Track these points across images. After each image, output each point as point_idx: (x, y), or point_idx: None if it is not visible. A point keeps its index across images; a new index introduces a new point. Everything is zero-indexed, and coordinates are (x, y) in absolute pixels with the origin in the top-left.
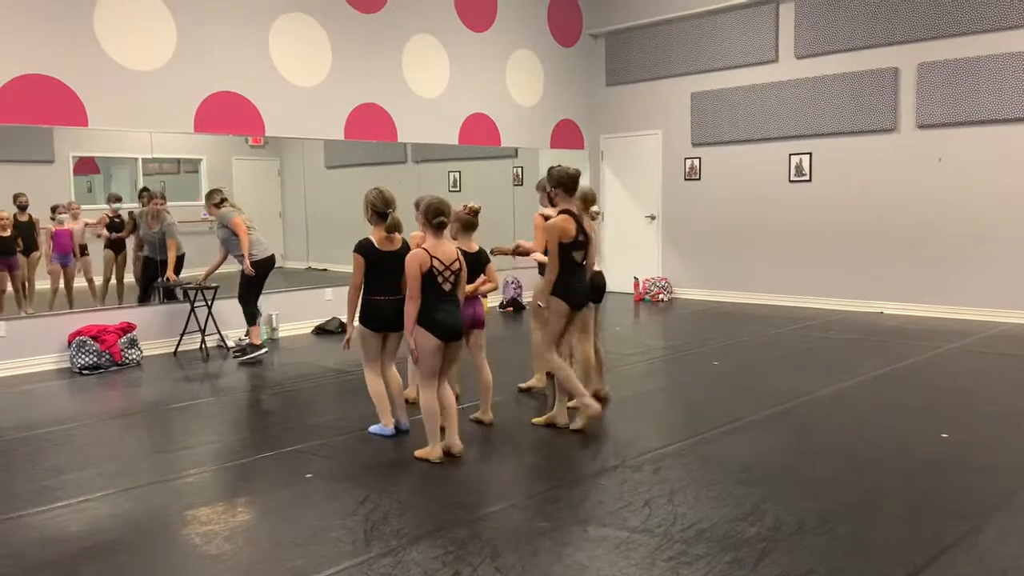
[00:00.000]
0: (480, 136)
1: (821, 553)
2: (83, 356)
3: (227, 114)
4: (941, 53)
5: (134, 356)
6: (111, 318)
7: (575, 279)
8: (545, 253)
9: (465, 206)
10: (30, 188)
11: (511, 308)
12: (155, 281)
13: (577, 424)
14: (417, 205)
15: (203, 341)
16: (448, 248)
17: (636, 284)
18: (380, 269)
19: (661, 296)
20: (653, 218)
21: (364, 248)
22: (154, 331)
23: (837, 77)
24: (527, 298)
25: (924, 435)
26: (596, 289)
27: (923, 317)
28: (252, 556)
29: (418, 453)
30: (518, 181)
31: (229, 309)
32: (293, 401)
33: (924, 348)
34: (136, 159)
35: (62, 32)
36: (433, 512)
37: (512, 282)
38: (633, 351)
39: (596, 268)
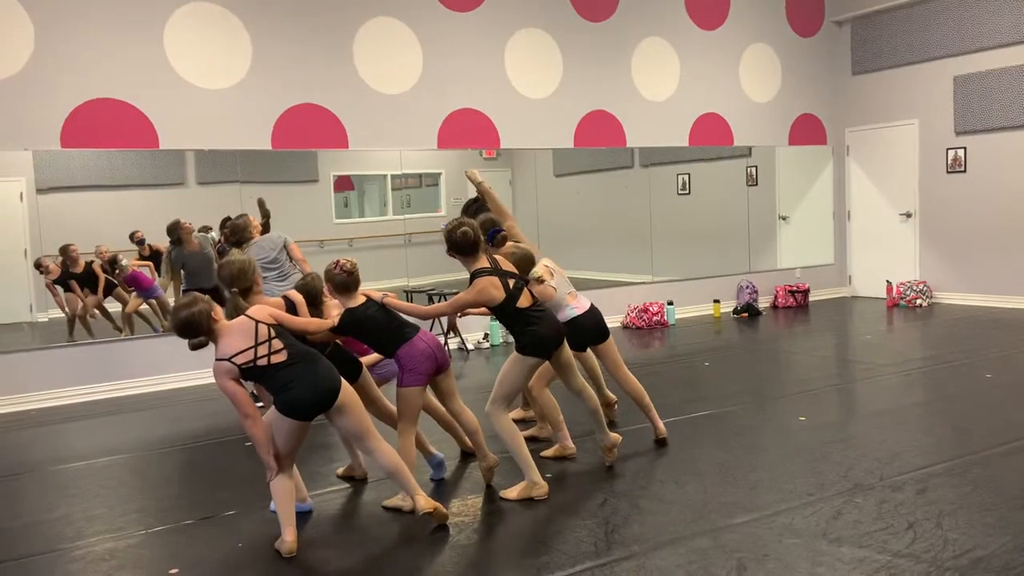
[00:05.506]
0: (711, 136)
1: None
2: None
3: (466, 129)
4: None
5: None
6: None
7: (542, 326)
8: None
9: (337, 262)
10: (297, 206)
11: (745, 314)
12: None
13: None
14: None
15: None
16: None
17: (889, 288)
18: None
19: (919, 301)
20: (909, 216)
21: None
22: None
23: None
24: (763, 304)
25: None
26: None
27: None
28: (496, 548)
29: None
30: (752, 181)
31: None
32: None
33: None
34: (385, 175)
35: (326, 61)
36: (674, 520)
37: (747, 286)
38: (887, 361)
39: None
